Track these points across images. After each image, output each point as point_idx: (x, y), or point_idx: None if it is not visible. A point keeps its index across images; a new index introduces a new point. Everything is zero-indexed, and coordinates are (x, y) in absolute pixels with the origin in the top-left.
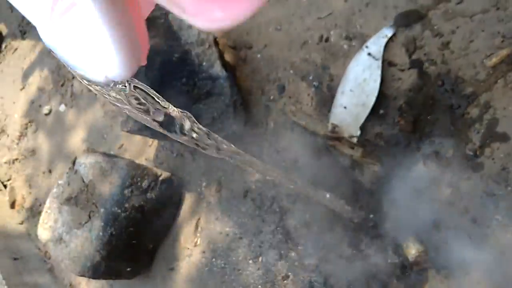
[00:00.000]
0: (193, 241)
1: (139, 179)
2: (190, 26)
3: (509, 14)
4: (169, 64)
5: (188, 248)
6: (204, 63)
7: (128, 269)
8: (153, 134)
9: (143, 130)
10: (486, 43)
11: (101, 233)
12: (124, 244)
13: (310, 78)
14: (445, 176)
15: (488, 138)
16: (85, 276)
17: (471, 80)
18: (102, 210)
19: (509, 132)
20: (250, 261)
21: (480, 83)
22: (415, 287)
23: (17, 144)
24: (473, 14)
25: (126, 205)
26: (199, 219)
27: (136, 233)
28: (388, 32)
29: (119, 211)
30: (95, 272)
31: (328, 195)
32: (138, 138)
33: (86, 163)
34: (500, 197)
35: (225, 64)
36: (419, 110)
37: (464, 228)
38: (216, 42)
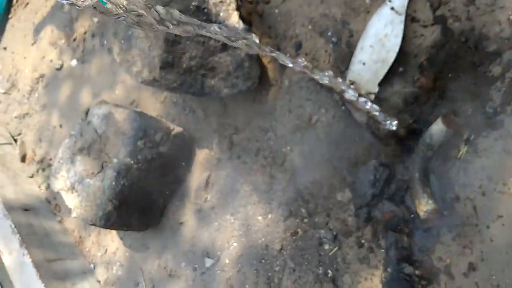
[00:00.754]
0: (203, 196)
1: (152, 131)
2: None
3: None
4: (186, 13)
5: (198, 203)
6: (221, 14)
7: (139, 221)
8: (166, 85)
9: (156, 81)
10: None
11: (113, 183)
12: (136, 196)
13: (329, 34)
14: (463, 133)
15: (509, 96)
16: (96, 225)
17: (495, 38)
18: (115, 160)
19: None
20: (260, 217)
21: (505, 41)
22: (426, 245)
23: (28, 98)
24: None
25: (139, 157)
26: (209, 175)
27: (148, 186)
28: None
29: (132, 162)
30: (106, 222)
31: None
32: (149, 93)
33: (99, 114)
34: None
35: (242, 17)
36: (440, 68)
37: (481, 186)
38: None
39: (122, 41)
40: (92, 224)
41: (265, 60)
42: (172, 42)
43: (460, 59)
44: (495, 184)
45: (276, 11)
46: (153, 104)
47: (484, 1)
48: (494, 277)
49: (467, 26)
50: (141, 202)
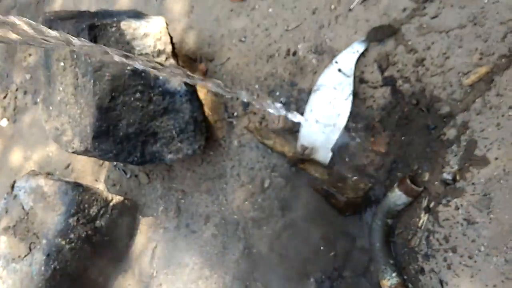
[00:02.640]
0: (149, 273)
1: (86, 205)
2: (145, 35)
3: (487, 30)
4: (121, 78)
5: (144, 280)
6: (160, 77)
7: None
8: (100, 156)
9: (89, 152)
10: (463, 60)
11: (43, 268)
12: (70, 279)
13: (277, 94)
14: (423, 201)
15: (467, 161)
16: None
17: (447, 99)
18: (44, 241)
19: (489, 155)
20: None
21: (457, 103)
22: None
23: None
24: (449, 29)
25: (72, 236)
26: (155, 247)
27: (84, 266)
28: (359, 47)
29: (63, 242)
30: None
31: None
32: (87, 157)
33: (26, 188)
34: (482, 225)
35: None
36: (393, 130)
37: (445, 258)
38: (174, 53)
39: (51, 107)
40: None
41: (211, 119)
42: (106, 109)
43: (413, 121)
44: (460, 257)
45: (221, 69)
46: (91, 168)
47: (433, 61)
48: None
49: (418, 87)
50: (77, 284)
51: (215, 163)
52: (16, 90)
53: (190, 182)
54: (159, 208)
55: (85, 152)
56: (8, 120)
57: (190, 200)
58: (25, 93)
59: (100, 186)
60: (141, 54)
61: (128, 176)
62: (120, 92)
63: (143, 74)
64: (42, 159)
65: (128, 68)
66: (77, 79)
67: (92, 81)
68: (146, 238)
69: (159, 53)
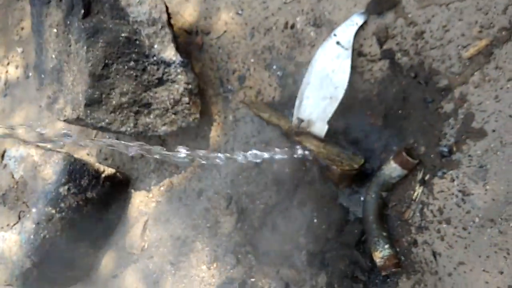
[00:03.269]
0: (140, 245)
1: (77, 176)
2: (140, 2)
3: (487, 3)
4: (115, 45)
5: (134, 254)
6: (155, 46)
7: (65, 276)
8: (92, 125)
9: (81, 120)
10: (463, 33)
11: (32, 236)
12: (60, 249)
13: (274, 67)
14: (418, 173)
15: (464, 133)
16: (12, 286)
17: (446, 73)
18: (34, 210)
19: (486, 127)
20: (204, 267)
21: (456, 76)
22: None
23: None
24: (450, 2)
25: (62, 205)
26: (147, 220)
27: (74, 237)
28: (358, 20)
29: (53, 211)
30: (24, 281)
31: None
32: (79, 130)
33: (17, 156)
34: (477, 196)
35: (179, 49)
36: (390, 104)
37: (438, 230)
38: (170, 23)
39: (43, 75)
40: (8, 285)
41: (207, 93)
42: (99, 77)
43: (411, 95)
44: (454, 228)
45: (217, 42)
46: (83, 141)
47: (432, 34)
48: None
49: (417, 60)
50: (67, 255)
51: (208, 138)
52: (8, 64)
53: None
54: (151, 182)
55: (77, 121)
56: None
57: (183, 174)
58: (16, 67)
59: (92, 160)
60: (136, 22)
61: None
62: (114, 60)
63: (137, 42)
64: (34, 133)
65: (123, 35)
66: (70, 46)
67: (85, 47)
68: (137, 212)
69: (154, 21)
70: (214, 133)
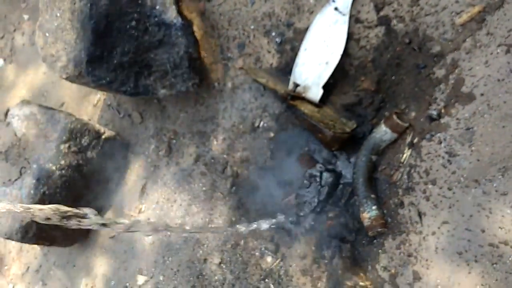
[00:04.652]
0: (138, 207)
1: (78, 135)
2: None
3: None
4: (118, 3)
5: (132, 215)
6: (157, 7)
7: (64, 235)
8: (94, 82)
9: (83, 77)
10: (456, 0)
11: (32, 191)
12: None
13: (273, 34)
14: (407, 137)
15: (453, 98)
16: (12, 239)
17: (439, 39)
18: (34, 166)
19: (475, 91)
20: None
21: (448, 42)
22: (370, 254)
23: None
24: None
25: (62, 162)
26: (145, 184)
27: (73, 195)
28: None
29: (54, 168)
30: (24, 235)
31: None
32: (81, 95)
33: (20, 115)
34: (463, 157)
35: (181, 12)
36: (384, 70)
37: (424, 190)
38: None
39: (47, 34)
40: (8, 238)
41: (207, 60)
42: (101, 34)
43: (404, 61)
44: (440, 188)
45: (219, 9)
46: (85, 107)
47: (427, 1)
48: (439, 286)
49: (411, 27)
50: None
51: (208, 105)
52: (14, 31)
53: (183, 122)
54: (150, 147)
55: (79, 77)
56: (4, 60)
57: (181, 140)
58: (23, 34)
59: (95, 125)
60: None
61: (121, 115)
62: (116, 18)
63: (140, 1)
64: (37, 98)
65: None
66: (74, 4)
67: (89, 4)
68: (136, 175)
69: None
70: (213, 99)
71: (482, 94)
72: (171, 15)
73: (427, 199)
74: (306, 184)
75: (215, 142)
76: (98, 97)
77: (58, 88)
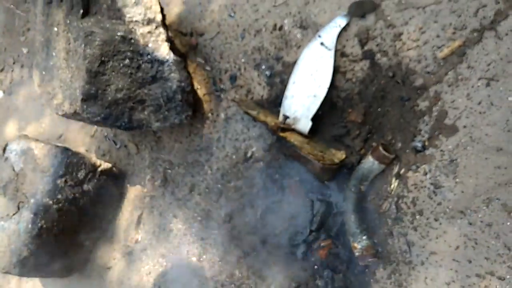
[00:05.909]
0: (134, 237)
1: (74, 168)
2: (136, 3)
3: (461, 6)
4: (111, 43)
5: (128, 245)
6: (150, 44)
7: (61, 266)
8: (89, 119)
9: (78, 114)
10: (438, 35)
11: (30, 226)
12: (56, 239)
13: (263, 67)
14: (394, 168)
15: (437, 130)
16: (11, 273)
17: (422, 72)
18: (32, 200)
19: (458, 124)
20: (194, 259)
21: (431, 75)
22: (362, 283)
23: None
24: (426, 5)
25: (59, 196)
26: (141, 214)
27: (70, 228)
28: (341, 22)
29: (51, 202)
30: (22, 269)
31: None
32: (78, 127)
33: (18, 150)
34: (448, 188)
35: (174, 48)
36: (370, 102)
37: (412, 221)
38: (164, 24)
39: (44, 72)
40: (6, 272)
41: (200, 92)
42: (95, 73)
43: (389, 93)
44: (426, 219)
45: (211, 43)
46: (82, 138)
47: (410, 36)
48: None
49: (395, 61)
50: (63, 245)
51: (202, 135)
52: (13, 63)
53: (177, 153)
54: (146, 177)
55: (74, 115)
56: (4, 92)
57: (176, 170)
58: (22, 66)
59: (92, 157)
60: (132, 21)
61: (118, 146)
62: (110, 57)
63: (132, 41)
64: (36, 130)
65: (119, 34)
66: (69, 44)
67: (83, 45)
68: (132, 206)
69: (149, 21)
70: (207, 130)
71: (464, 126)
72: (163, 51)
73: (415, 229)
74: (298, 214)
75: (209, 172)
76: (95, 128)
77: (56, 121)
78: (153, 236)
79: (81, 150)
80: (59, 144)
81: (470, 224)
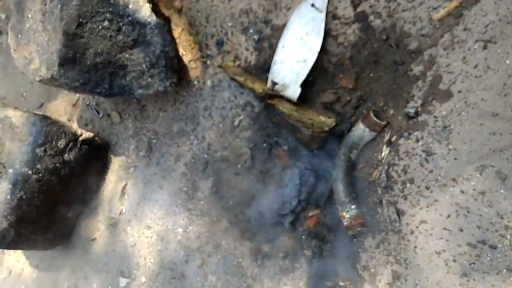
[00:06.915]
0: (119, 208)
1: (54, 137)
2: None
3: None
4: (89, 3)
5: (113, 217)
6: (130, 5)
7: (44, 238)
8: (67, 84)
9: (55, 79)
10: None
11: (9, 197)
12: (37, 211)
13: (251, 31)
14: (385, 135)
15: (431, 95)
16: None
17: (416, 35)
18: (10, 171)
19: (453, 89)
20: (180, 230)
21: (426, 38)
22: (351, 253)
23: None
24: None
25: (39, 166)
26: (125, 185)
27: (52, 199)
28: None
29: (30, 172)
30: (2, 241)
31: None
32: (60, 96)
33: None
34: (440, 155)
35: (157, 11)
36: (362, 67)
37: (402, 189)
38: None
39: (19, 35)
40: None
41: (186, 58)
42: (73, 36)
43: (382, 58)
44: (417, 187)
45: (196, 6)
46: (64, 107)
47: None
48: (418, 286)
49: (389, 23)
50: (45, 217)
51: (187, 104)
52: None
53: (162, 122)
54: (130, 147)
55: (52, 80)
56: None
57: (161, 140)
58: (0, 32)
59: (73, 126)
60: None
61: (100, 115)
62: (88, 19)
63: (111, 1)
64: (16, 99)
65: None
66: (45, 5)
67: (59, 6)
68: (116, 176)
69: None
70: (193, 98)
71: (459, 91)
72: (145, 14)
73: (405, 198)
74: (286, 184)
75: (195, 142)
76: (77, 96)
77: (37, 88)
78: (138, 207)
79: (63, 119)
80: (38, 112)
81: (463, 192)
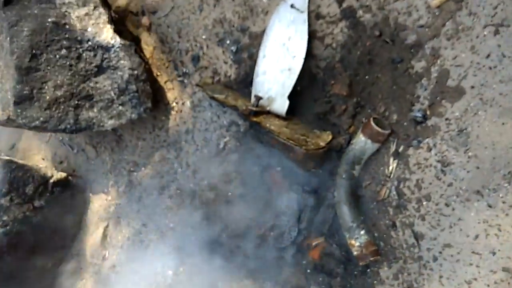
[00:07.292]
0: (101, 253)
1: (21, 183)
2: None
3: None
4: (41, 32)
5: (96, 263)
6: (89, 29)
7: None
8: (26, 125)
9: (13, 121)
10: None
11: None
12: (9, 266)
13: (227, 42)
14: (390, 145)
15: (439, 94)
16: None
17: (414, 26)
18: None
19: (464, 84)
20: (170, 272)
21: (425, 29)
22: (365, 284)
23: None
24: None
25: (5, 218)
26: (107, 226)
27: (26, 251)
28: None
29: None
30: None
31: None
32: (31, 134)
33: None
34: (459, 165)
35: (122, 31)
36: (355, 69)
37: (418, 208)
38: (105, 2)
39: None
40: None
41: (161, 79)
42: (27, 70)
43: (376, 56)
44: (436, 205)
45: (165, 21)
46: (37, 145)
47: None
48: None
49: (380, 16)
50: (20, 272)
51: (167, 129)
52: None
53: (142, 151)
54: (109, 183)
55: (9, 122)
56: None
57: (142, 171)
58: None
59: (48, 165)
60: (64, 4)
61: (75, 151)
62: (43, 49)
63: (67, 26)
64: None
65: (50, 20)
66: None
67: (8, 38)
68: (97, 217)
69: (85, 2)
70: (172, 122)
71: (472, 87)
72: (107, 36)
73: (423, 218)
74: (283, 211)
75: (179, 170)
76: (49, 133)
77: (7, 129)
78: (122, 250)
79: (37, 158)
80: (3, 157)
81: (490, 206)
